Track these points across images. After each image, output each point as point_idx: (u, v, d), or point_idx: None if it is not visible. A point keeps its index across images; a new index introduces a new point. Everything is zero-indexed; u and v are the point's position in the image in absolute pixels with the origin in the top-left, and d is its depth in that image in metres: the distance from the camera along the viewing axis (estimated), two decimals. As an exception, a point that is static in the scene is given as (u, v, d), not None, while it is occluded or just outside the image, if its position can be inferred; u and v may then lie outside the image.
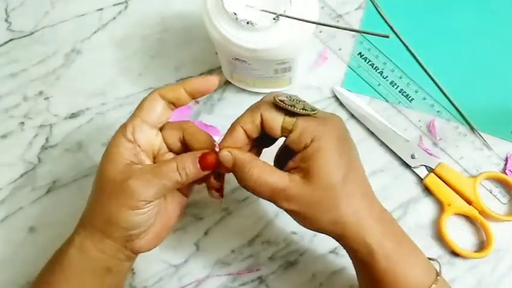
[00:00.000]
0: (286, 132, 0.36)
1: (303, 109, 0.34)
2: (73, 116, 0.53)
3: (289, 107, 0.34)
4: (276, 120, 0.35)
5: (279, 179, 0.35)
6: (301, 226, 0.37)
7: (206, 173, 0.37)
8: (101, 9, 0.56)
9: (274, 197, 0.35)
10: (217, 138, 0.39)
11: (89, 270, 0.37)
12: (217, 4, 0.40)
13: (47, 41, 0.55)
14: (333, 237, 0.37)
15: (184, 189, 0.40)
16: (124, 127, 0.37)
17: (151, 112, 0.37)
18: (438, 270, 0.37)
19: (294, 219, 0.37)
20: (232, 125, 0.37)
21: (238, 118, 0.37)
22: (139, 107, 0.37)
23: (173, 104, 0.38)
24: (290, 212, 0.36)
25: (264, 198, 0.36)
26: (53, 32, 0.55)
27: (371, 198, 0.37)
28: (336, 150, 0.35)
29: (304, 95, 0.52)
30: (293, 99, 0.35)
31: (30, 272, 0.49)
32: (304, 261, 0.49)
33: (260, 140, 0.38)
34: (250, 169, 0.35)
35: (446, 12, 0.55)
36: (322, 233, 0.37)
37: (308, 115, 0.35)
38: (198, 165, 0.36)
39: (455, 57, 0.53)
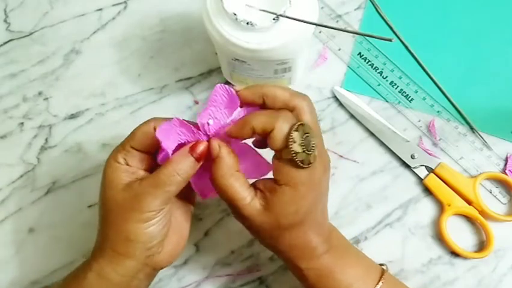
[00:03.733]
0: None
1: (302, 161, 0.35)
2: (73, 116, 0.53)
3: (294, 155, 0.34)
4: (281, 145, 0.35)
5: (241, 197, 0.36)
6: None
7: (201, 163, 0.37)
8: (100, 9, 0.56)
9: (229, 205, 0.37)
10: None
11: None
12: (217, 4, 0.40)
13: (47, 42, 0.55)
14: None
15: (188, 196, 0.41)
16: (115, 154, 0.38)
17: (142, 142, 0.38)
18: (382, 276, 0.40)
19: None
20: (245, 119, 0.36)
21: (255, 115, 0.36)
22: (132, 135, 0.38)
23: None
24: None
25: None
26: (52, 32, 0.55)
27: (320, 224, 0.39)
28: (304, 197, 0.36)
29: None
30: (306, 138, 0.35)
31: (30, 272, 0.49)
32: (304, 262, 0.49)
33: None
34: (225, 175, 0.36)
35: (446, 12, 0.55)
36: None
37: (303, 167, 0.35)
38: (192, 158, 0.36)
39: (455, 57, 0.53)
